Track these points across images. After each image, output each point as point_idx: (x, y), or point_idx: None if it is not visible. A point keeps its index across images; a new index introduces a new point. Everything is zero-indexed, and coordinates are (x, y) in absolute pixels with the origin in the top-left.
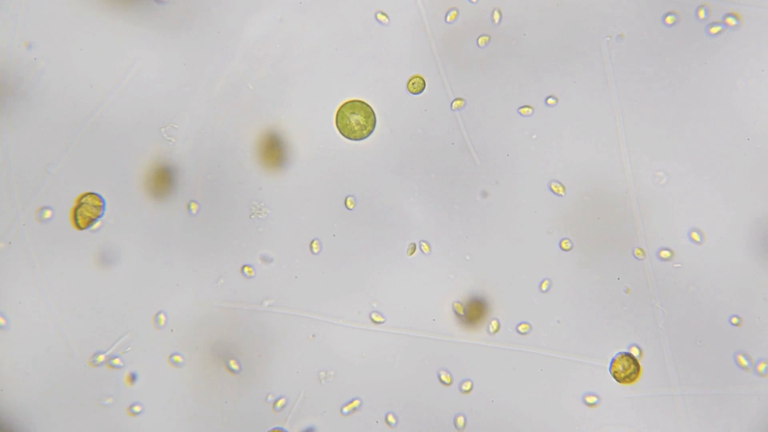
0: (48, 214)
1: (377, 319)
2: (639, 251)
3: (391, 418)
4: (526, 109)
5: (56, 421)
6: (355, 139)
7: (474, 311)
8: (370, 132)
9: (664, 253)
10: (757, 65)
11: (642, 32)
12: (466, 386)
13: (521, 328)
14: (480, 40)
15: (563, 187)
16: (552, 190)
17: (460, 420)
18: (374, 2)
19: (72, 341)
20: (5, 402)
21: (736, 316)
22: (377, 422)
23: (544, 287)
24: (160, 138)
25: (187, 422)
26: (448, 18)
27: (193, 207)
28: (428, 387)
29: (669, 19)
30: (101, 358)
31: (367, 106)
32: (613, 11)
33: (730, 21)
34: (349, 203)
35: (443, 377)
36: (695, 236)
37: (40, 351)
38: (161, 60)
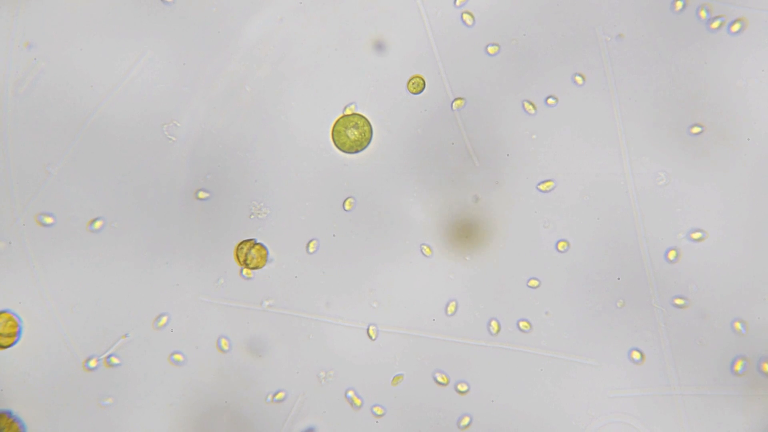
0: (49, 220)
1: (372, 334)
2: None
3: (391, 417)
4: (529, 106)
5: (56, 422)
6: (353, 152)
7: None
8: (367, 144)
9: (671, 254)
10: (757, 65)
11: (642, 32)
12: (463, 387)
13: (521, 326)
14: (489, 49)
15: (563, 188)
16: (551, 191)
17: (465, 420)
18: (374, 2)
19: (72, 341)
20: (5, 402)
21: (739, 319)
22: (377, 422)
23: (545, 286)
24: (161, 137)
25: (187, 422)
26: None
27: (201, 195)
28: (428, 387)
29: (678, 4)
30: (93, 362)
31: (362, 117)
32: (613, 11)
33: (735, 27)
34: (347, 205)
35: (440, 378)
36: (695, 236)
37: (40, 351)
38: (161, 60)
